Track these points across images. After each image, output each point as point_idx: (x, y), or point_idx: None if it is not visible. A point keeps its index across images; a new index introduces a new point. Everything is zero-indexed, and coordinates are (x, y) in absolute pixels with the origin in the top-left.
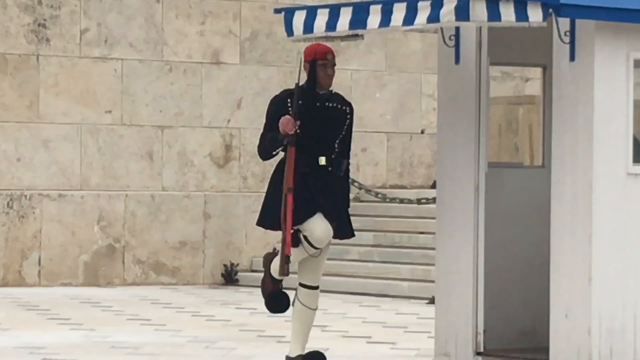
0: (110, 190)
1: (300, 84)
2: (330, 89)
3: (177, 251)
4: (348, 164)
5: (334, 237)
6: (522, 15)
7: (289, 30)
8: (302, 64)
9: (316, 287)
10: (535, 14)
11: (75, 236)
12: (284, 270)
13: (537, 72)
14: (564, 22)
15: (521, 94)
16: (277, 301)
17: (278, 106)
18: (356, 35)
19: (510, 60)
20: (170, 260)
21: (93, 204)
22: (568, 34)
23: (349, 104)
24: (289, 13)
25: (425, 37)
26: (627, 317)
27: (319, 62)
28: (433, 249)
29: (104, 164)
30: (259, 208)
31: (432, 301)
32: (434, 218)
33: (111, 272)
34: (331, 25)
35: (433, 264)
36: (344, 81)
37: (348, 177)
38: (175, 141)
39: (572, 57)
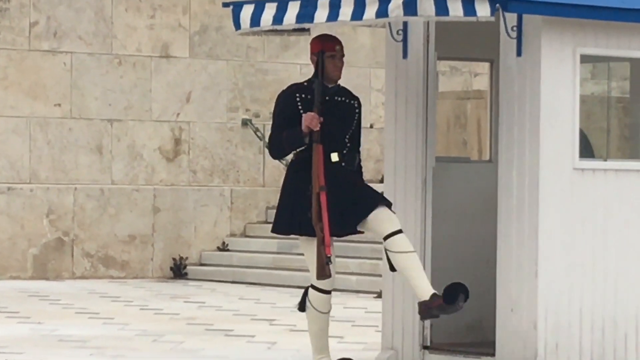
0: (60, 183)
1: (318, 78)
2: (338, 82)
3: (126, 245)
4: (359, 159)
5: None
6: (469, 10)
7: (237, 24)
8: (309, 56)
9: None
10: (483, 9)
11: (24, 229)
12: (325, 272)
13: (485, 67)
14: (511, 17)
15: (470, 88)
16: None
17: (285, 102)
18: (303, 29)
19: (458, 55)
20: (119, 253)
21: (42, 198)
22: (515, 29)
23: (357, 98)
24: (237, 7)
25: (375, 31)
26: (573, 312)
27: (327, 53)
28: (380, 243)
29: (53, 158)
30: (209, 202)
31: (379, 295)
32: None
33: (60, 265)
34: (278, 18)
35: (381, 258)
36: (293, 75)
37: (361, 172)
38: (125, 135)
39: (519, 52)
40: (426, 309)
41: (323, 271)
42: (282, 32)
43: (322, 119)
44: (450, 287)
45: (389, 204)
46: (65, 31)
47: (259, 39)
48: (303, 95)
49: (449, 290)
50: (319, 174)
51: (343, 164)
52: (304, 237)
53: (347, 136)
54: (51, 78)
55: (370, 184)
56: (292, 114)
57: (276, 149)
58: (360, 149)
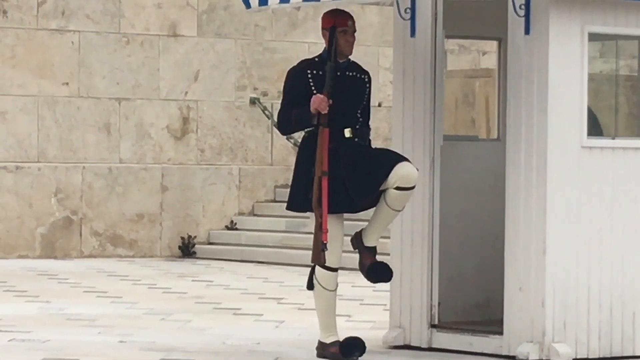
0: (68, 162)
1: (332, 59)
2: (349, 57)
3: (134, 224)
4: (369, 132)
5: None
6: None
7: (246, 2)
8: (321, 32)
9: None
10: None
11: (32, 208)
12: (321, 258)
13: (493, 45)
14: None
15: (478, 67)
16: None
17: (297, 78)
18: None
19: (466, 33)
20: (128, 232)
21: (50, 176)
22: (523, 7)
23: (367, 72)
24: None
25: (383, 10)
26: (580, 290)
27: (340, 29)
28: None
29: (61, 136)
30: (217, 181)
31: None
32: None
33: (68, 244)
34: None
35: (389, 237)
36: (301, 54)
37: (370, 145)
38: (133, 113)
39: (527, 31)
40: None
41: (318, 257)
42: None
43: (331, 101)
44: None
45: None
46: (73, 10)
47: (267, 18)
48: (315, 72)
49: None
50: (322, 158)
51: (356, 139)
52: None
53: (359, 111)
54: (59, 57)
55: None
56: (303, 90)
57: (284, 126)
58: (370, 123)
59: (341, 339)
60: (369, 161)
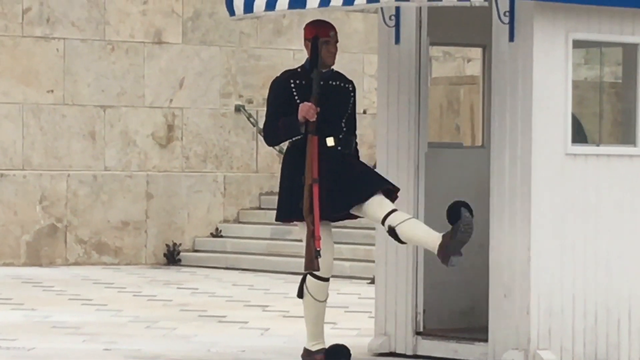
0: (53, 170)
1: (316, 68)
2: (332, 67)
3: (119, 231)
4: (356, 142)
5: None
6: None
7: (231, 10)
8: (303, 42)
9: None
10: None
11: (17, 216)
12: (314, 265)
13: (478, 52)
14: (504, 2)
15: (463, 74)
16: (336, 353)
17: (280, 88)
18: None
19: (450, 40)
20: (113, 240)
21: (35, 184)
22: (507, 14)
23: (351, 82)
24: None
25: (367, 17)
26: (565, 297)
27: (322, 39)
28: (374, 229)
29: (46, 144)
30: (202, 188)
31: (373, 281)
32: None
33: (53, 252)
34: (271, 4)
35: (373, 244)
36: (286, 61)
37: (358, 154)
38: (118, 121)
39: (511, 37)
40: (442, 251)
41: (312, 264)
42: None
43: (318, 109)
44: (450, 209)
45: (389, 191)
46: (58, 17)
47: (252, 25)
48: (297, 82)
49: (450, 211)
50: (312, 165)
51: (339, 147)
52: (302, 223)
53: (344, 120)
54: (44, 64)
55: None
56: (286, 100)
57: (271, 137)
58: (356, 132)
59: (326, 347)
60: (352, 179)
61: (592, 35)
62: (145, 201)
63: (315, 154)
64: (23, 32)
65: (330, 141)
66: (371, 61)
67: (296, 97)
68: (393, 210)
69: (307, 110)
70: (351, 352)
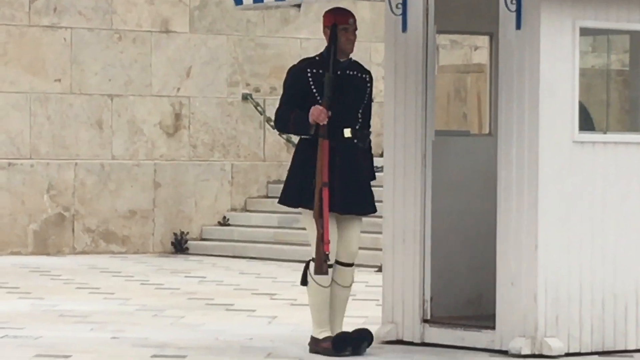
0: (60, 159)
1: (330, 72)
2: (350, 56)
3: (126, 220)
4: (370, 134)
5: (353, 213)
6: None
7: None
8: (322, 29)
9: (350, 265)
10: None
11: (25, 205)
12: (323, 269)
13: (485, 40)
14: None
15: (470, 62)
16: (342, 341)
17: (296, 76)
18: (299, 5)
19: (457, 28)
20: (120, 229)
21: (42, 173)
22: (514, 2)
23: (369, 72)
24: None
25: (374, 5)
26: (572, 285)
27: (340, 26)
28: (381, 217)
29: (54, 133)
30: (209, 177)
31: (380, 269)
32: (382, 186)
33: (60, 240)
34: None
35: (380, 232)
36: (293, 50)
37: (371, 148)
38: (125, 110)
39: (518, 26)
40: (314, 344)
41: (321, 268)
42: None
43: (330, 113)
44: (343, 335)
45: (374, 212)
46: (65, 6)
47: (259, 13)
48: (315, 70)
49: (344, 337)
50: (323, 169)
51: (355, 140)
52: (308, 211)
53: (360, 111)
54: (51, 53)
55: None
56: (302, 89)
57: (281, 125)
58: (371, 123)
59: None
60: (358, 186)
61: (599, 23)
62: (152, 190)
63: (326, 157)
64: (30, 22)
65: (347, 132)
66: (378, 50)
67: (312, 86)
68: (352, 264)
69: (318, 114)
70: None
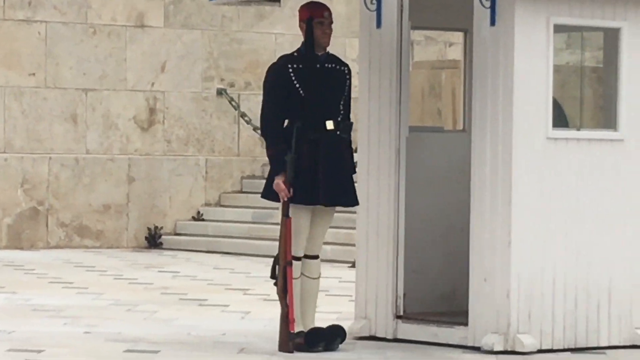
0: (34, 153)
1: (292, 154)
2: (327, 49)
3: (100, 214)
4: (352, 125)
5: (339, 204)
6: None
7: None
8: (298, 24)
9: (316, 257)
10: None
11: None
12: (289, 347)
13: (460, 36)
14: None
15: (444, 58)
16: (315, 336)
17: (278, 74)
18: (275, 0)
19: (432, 24)
20: (94, 223)
21: (16, 167)
22: None
23: (347, 65)
24: None
25: (350, 0)
26: (546, 282)
27: (316, 20)
28: (355, 212)
29: (28, 127)
30: (183, 172)
31: (354, 265)
32: (356, 182)
33: (34, 235)
34: None
35: (355, 228)
36: (268, 45)
37: (351, 142)
38: (99, 104)
39: (492, 22)
40: (307, 337)
41: (287, 346)
42: (255, 2)
43: (291, 193)
44: (315, 331)
45: (357, 204)
46: (40, 0)
47: (233, 8)
48: (295, 66)
49: (316, 333)
50: (286, 247)
51: (338, 132)
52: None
53: (341, 103)
54: (26, 47)
55: None
56: (285, 86)
57: (265, 133)
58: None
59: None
60: (341, 178)
61: (573, 20)
62: (126, 184)
63: (289, 236)
64: (4, 15)
65: (330, 124)
66: (353, 45)
67: (295, 82)
68: (316, 257)
69: (279, 190)
70: (346, 331)
